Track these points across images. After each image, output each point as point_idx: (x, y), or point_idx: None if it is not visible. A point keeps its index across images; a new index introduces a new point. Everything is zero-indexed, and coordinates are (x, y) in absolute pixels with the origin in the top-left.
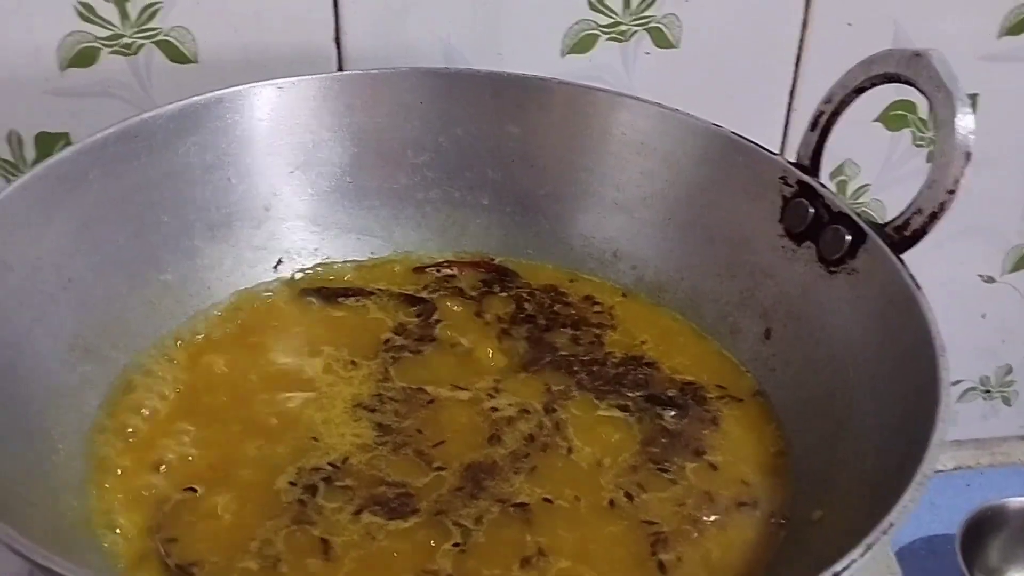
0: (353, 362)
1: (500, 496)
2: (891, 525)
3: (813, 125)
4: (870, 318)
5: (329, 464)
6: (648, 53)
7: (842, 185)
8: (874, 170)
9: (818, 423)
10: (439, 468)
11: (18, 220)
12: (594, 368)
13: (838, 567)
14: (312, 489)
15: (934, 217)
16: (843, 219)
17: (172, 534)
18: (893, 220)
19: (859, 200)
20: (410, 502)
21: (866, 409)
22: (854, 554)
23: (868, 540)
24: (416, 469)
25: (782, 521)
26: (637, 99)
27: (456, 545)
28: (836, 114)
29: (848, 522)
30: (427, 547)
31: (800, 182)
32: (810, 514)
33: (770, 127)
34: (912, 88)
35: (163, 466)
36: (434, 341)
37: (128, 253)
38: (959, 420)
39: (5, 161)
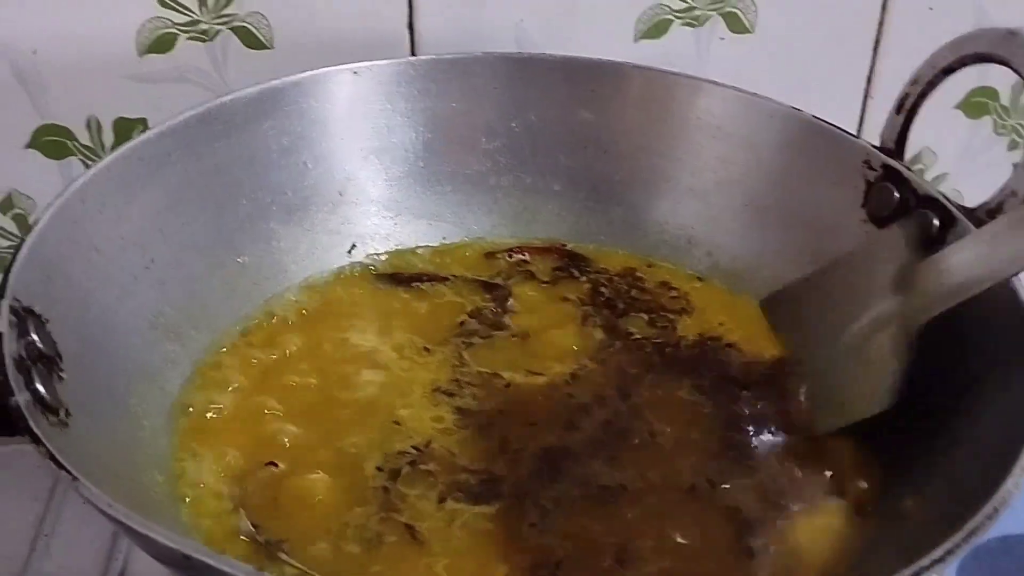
0: (427, 348)
1: (580, 479)
2: (995, 510)
3: (899, 107)
4: (960, 304)
5: (413, 448)
6: (723, 38)
7: (919, 174)
8: (952, 159)
9: (907, 411)
10: (517, 451)
11: (105, 200)
12: (667, 350)
13: (937, 553)
14: (395, 474)
15: None
16: (931, 203)
17: (258, 511)
18: (985, 203)
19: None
20: (493, 487)
21: (959, 396)
22: (956, 539)
23: (971, 525)
24: (496, 453)
25: (870, 509)
26: (715, 83)
27: (533, 525)
28: (923, 96)
29: (941, 511)
30: (515, 531)
31: (885, 166)
32: (900, 503)
33: (846, 114)
34: (992, 74)
35: (245, 445)
36: (508, 327)
37: (207, 235)
38: None
39: (84, 146)
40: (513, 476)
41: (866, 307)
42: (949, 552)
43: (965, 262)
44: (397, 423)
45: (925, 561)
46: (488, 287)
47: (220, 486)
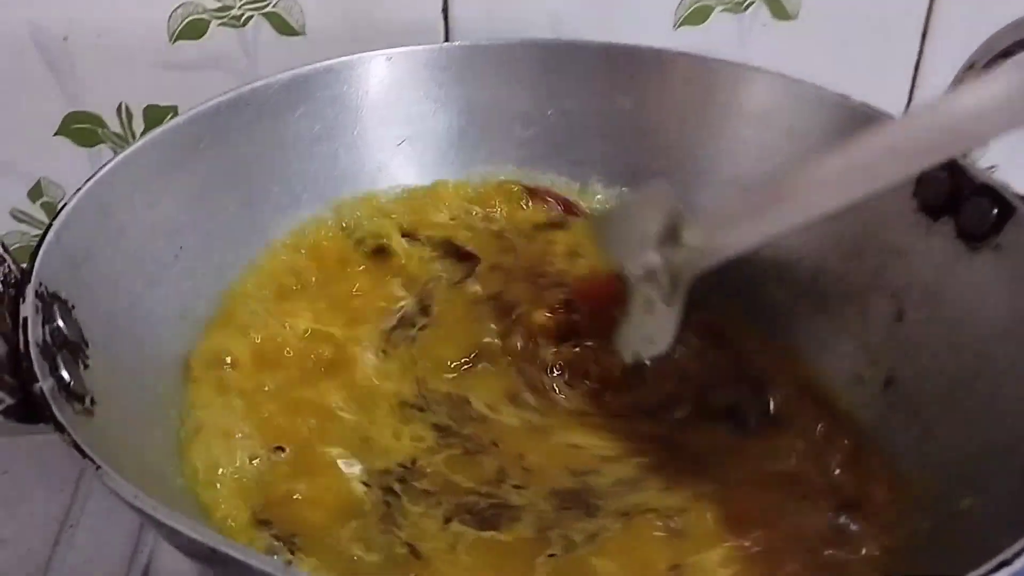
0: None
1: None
2: None
3: None
4: (1019, 295)
5: (399, 466)
6: (765, 25)
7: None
8: (1002, 150)
9: (962, 408)
10: (519, 487)
11: (134, 186)
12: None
13: (1008, 554)
14: (388, 491)
15: None
16: (987, 192)
17: (272, 508)
18: None
19: None
20: (509, 513)
21: (1017, 392)
22: None
23: None
24: (496, 482)
25: (927, 509)
26: (758, 70)
27: (552, 556)
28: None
29: (1002, 510)
30: (527, 559)
31: None
32: (958, 502)
33: (891, 103)
34: None
35: (271, 438)
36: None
37: (237, 223)
38: None
39: (114, 134)
40: (534, 508)
41: (633, 254)
42: (1017, 555)
43: (730, 222)
44: (369, 439)
45: (992, 563)
46: (462, 256)
47: (242, 477)
